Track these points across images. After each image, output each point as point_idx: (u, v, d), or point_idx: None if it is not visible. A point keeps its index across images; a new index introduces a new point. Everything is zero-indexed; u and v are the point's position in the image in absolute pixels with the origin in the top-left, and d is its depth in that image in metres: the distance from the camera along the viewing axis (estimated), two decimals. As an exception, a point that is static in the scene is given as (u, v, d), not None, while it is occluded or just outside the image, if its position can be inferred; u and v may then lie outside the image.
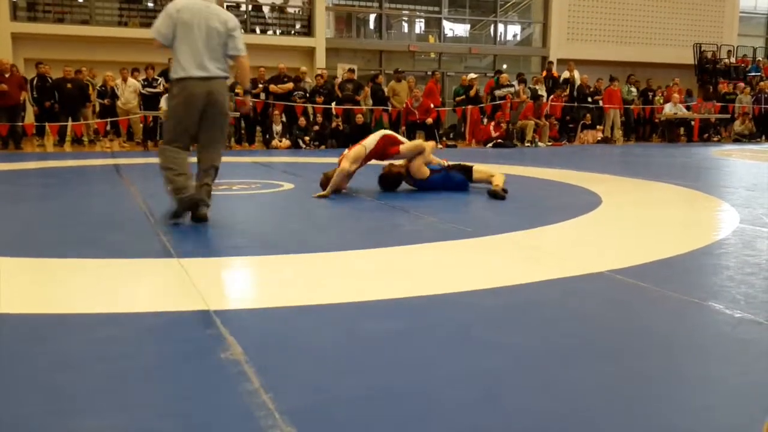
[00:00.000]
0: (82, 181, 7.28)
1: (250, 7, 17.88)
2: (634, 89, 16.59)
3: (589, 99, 15.63)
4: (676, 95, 15.91)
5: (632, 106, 16.30)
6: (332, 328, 2.24)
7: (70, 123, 12.32)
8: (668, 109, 15.87)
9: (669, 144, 15.33)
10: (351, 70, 14.42)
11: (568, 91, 15.66)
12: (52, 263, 3.13)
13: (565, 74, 16.03)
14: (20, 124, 11.87)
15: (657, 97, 16.67)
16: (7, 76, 11.72)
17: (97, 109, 12.84)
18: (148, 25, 17.20)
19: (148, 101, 12.53)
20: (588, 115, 15.45)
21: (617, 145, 15.21)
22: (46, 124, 12.14)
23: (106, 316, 2.34)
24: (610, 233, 4.09)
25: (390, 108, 13.87)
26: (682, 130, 16.54)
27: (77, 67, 12.52)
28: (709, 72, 19.47)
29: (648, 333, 2.25)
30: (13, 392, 1.71)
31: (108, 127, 12.68)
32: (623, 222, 4.48)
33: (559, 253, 3.48)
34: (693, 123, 16.33)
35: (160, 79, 12.82)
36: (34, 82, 12.21)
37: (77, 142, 12.54)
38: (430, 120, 13.52)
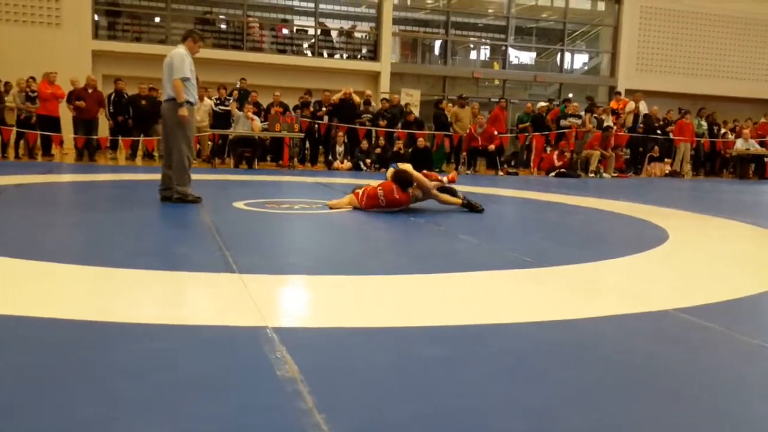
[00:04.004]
0: (151, 194, 7.51)
1: (319, 32, 18.29)
2: (704, 123, 16.14)
3: (658, 131, 15.26)
4: (746, 131, 15.41)
5: (703, 140, 15.85)
6: (386, 352, 2.24)
7: (142, 138, 12.79)
8: (740, 144, 15.37)
9: (740, 180, 14.82)
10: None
11: (625, 121, 15.29)
12: (118, 273, 3.23)
13: (630, 105, 15.69)
14: (95, 137, 12.39)
15: (724, 131, 16.15)
16: (90, 92, 12.28)
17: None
18: (222, 46, 17.83)
19: (219, 120, 12.89)
20: (656, 147, 15.09)
21: (686, 179, 14.79)
22: (120, 138, 12.63)
23: (167, 327, 2.40)
24: (675, 270, 3.96)
25: (452, 133, 13.88)
26: (752, 167, 15.97)
27: (152, 85, 13.02)
28: (785, 107, 18.81)
29: (712, 374, 2.17)
30: (73, 397, 1.76)
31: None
32: (690, 259, 4.34)
33: (621, 288, 3.40)
34: (766, 159, 15.76)
35: (231, 98, 13.20)
36: (111, 97, 12.73)
37: (148, 156, 12.99)
38: (492, 147, 13.45)
